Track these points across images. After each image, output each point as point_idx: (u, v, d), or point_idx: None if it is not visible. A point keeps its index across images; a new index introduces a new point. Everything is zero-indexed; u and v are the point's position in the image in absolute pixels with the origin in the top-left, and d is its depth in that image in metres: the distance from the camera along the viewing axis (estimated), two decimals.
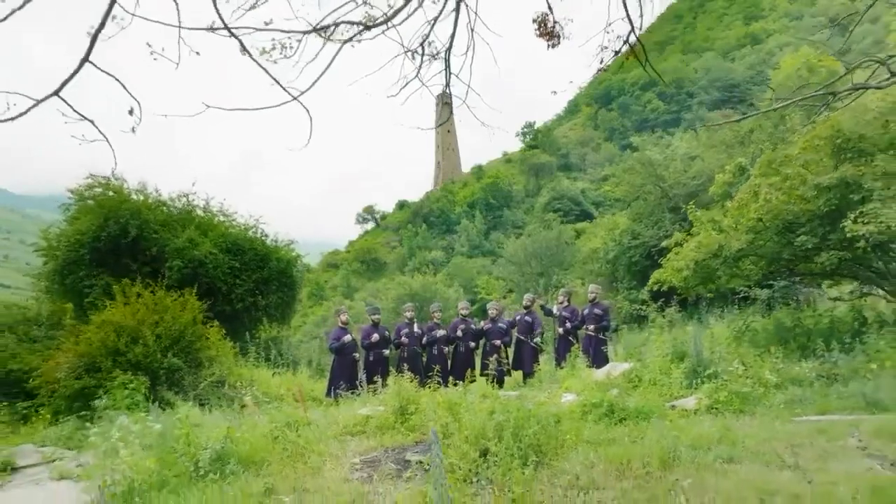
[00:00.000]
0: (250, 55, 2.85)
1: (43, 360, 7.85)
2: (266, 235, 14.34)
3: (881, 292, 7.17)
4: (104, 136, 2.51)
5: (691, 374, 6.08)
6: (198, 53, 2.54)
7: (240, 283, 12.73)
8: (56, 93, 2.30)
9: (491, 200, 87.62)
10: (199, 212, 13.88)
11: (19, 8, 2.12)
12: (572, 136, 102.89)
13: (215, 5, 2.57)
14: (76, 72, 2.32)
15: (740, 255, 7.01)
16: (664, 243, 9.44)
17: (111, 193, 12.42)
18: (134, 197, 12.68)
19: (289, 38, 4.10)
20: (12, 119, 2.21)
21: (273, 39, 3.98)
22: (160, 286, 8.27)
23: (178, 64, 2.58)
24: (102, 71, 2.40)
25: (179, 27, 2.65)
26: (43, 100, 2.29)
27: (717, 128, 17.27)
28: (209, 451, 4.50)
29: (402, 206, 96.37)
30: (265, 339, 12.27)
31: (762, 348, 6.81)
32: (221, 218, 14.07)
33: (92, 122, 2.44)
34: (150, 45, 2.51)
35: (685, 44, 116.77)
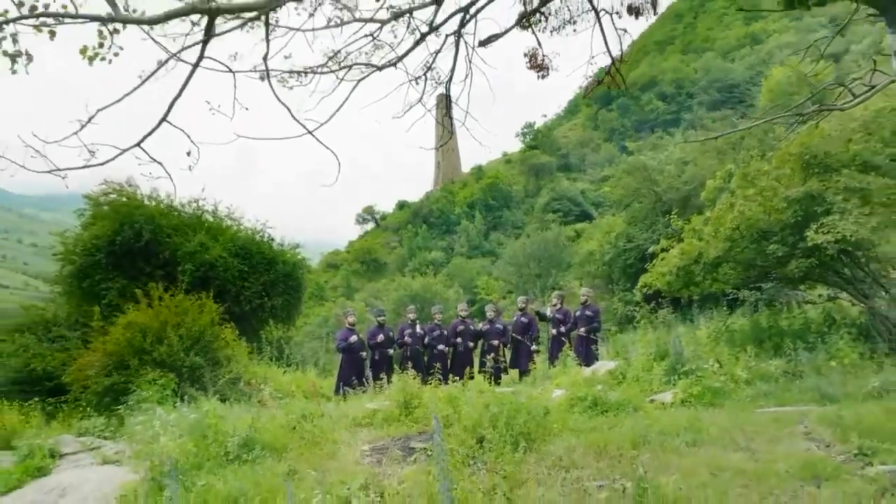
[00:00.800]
0: (289, 111, 3.42)
1: (71, 358, 8.42)
2: (272, 239, 14.93)
3: (846, 295, 7.76)
4: (169, 176, 3.08)
5: (671, 371, 6.66)
6: (247, 109, 3.11)
7: (248, 285, 13.27)
8: (138, 144, 2.88)
9: (490, 201, 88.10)
10: (209, 216, 14.47)
11: (129, 93, 2.70)
12: (572, 137, 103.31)
13: (266, 64, 3.15)
14: (155, 129, 2.88)
15: (718, 262, 7.59)
16: (651, 249, 10.01)
17: (125, 199, 13.02)
18: (146, 202, 13.27)
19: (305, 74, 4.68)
20: (101, 164, 2.78)
21: (292, 70, 4.56)
22: (179, 290, 8.85)
23: (232, 116, 3.16)
24: (176, 128, 2.97)
25: (234, 73, 3.23)
26: (126, 150, 2.86)
27: (704, 135, 17.87)
28: (237, 439, 5.09)
29: (401, 206, 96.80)
30: (275, 339, 12.88)
31: (739, 348, 7.39)
32: (229, 222, 14.65)
33: (161, 164, 3.02)
34: (208, 103, 3.08)
35: (685, 44, 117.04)
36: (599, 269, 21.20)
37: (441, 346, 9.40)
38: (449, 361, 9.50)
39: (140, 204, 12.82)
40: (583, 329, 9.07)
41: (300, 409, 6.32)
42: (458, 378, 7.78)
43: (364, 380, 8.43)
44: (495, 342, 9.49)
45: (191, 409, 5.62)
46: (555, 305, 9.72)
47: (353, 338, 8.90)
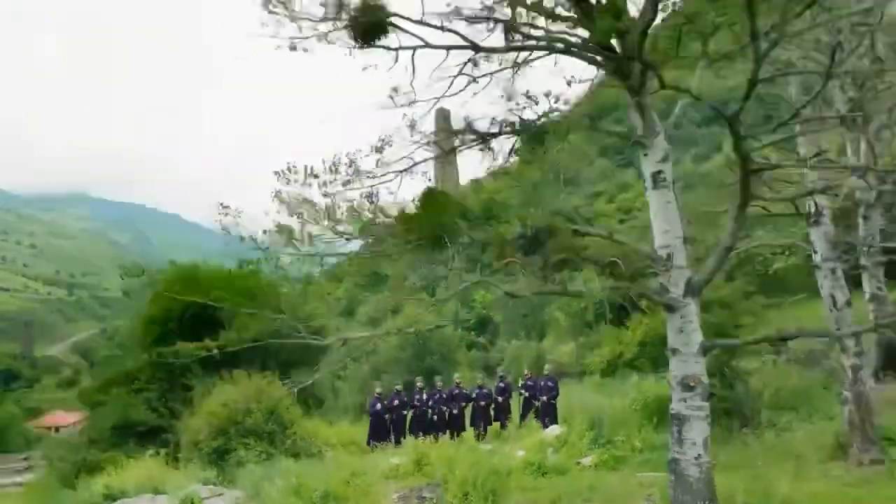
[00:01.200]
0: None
1: (181, 420, 11.74)
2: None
3: None
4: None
5: (594, 440, 9.98)
6: (340, 282, 6.35)
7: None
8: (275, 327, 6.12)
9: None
10: (253, 283, 17.85)
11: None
12: (566, 151, 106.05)
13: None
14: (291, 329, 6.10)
15: (635, 358, 10.95)
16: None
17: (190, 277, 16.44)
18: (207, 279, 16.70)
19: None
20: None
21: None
22: (255, 372, 12.18)
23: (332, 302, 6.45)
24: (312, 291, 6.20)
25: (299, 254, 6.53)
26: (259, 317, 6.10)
27: None
28: (318, 493, 8.41)
29: None
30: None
31: (647, 420, 10.69)
32: (268, 279, 18.02)
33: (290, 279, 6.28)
34: (310, 269, 6.35)
35: (679, 58, 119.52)
36: (577, 311, 24.61)
37: (441, 408, 12.80)
38: (447, 419, 12.87)
39: (205, 283, 16.25)
40: (545, 397, 12.44)
41: (349, 466, 9.65)
42: (455, 433, 11.16)
43: (389, 438, 11.87)
44: (483, 403, 12.87)
45: (285, 468, 8.95)
46: (525, 375, 13.13)
47: (378, 405, 12.37)
